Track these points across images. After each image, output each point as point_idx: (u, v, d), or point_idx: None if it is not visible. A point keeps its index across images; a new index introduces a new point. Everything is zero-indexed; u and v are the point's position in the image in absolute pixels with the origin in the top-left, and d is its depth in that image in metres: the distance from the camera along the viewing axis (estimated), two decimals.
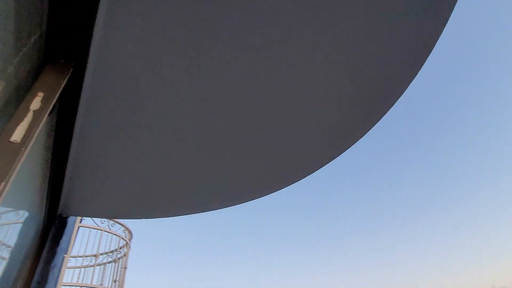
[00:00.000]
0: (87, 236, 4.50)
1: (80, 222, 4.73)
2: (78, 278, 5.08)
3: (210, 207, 1.60)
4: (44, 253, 1.36)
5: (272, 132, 1.26)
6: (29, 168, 0.96)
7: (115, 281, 4.27)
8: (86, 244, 4.58)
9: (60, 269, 2.54)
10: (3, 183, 0.50)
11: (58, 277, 2.38)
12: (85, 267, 5.05)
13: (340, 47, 0.97)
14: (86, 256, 5.13)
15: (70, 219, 1.93)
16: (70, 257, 4.77)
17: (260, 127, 1.24)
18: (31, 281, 1.24)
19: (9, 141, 0.56)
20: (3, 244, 1.13)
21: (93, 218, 4.63)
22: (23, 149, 0.57)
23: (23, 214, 1.27)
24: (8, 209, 1.13)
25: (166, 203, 1.59)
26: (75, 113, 0.98)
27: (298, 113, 1.20)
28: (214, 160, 1.37)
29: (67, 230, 1.61)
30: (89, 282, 4.10)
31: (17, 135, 0.57)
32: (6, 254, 1.15)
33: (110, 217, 1.60)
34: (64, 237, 1.58)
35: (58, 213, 1.52)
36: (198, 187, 1.49)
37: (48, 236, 1.42)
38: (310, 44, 0.95)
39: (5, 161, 0.53)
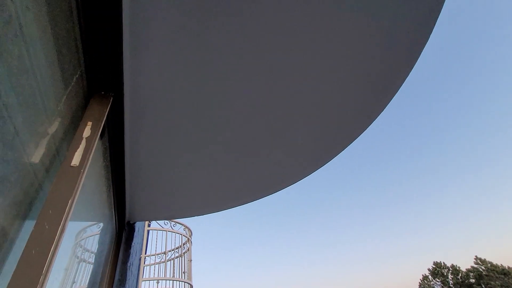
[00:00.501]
0: (155, 237, 5.06)
1: (149, 226, 5.30)
2: (154, 273, 5.80)
3: (252, 197, 1.67)
4: (120, 255, 1.59)
5: (296, 125, 1.26)
6: (95, 186, 1.13)
7: (184, 273, 4.74)
8: (156, 244, 5.17)
9: (138, 267, 2.91)
10: (70, 200, 0.61)
11: (137, 274, 2.73)
12: (158, 263, 5.69)
13: (343, 48, 0.94)
14: (157, 254, 5.77)
15: (137, 224, 2.20)
16: (146, 256, 5.37)
17: (281, 125, 1.25)
18: (114, 280, 1.46)
19: (71, 166, 0.67)
20: (89, 251, 1.35)
21: (158, 222, 5.15)
22: (82, 170, 0.68)
23: (100, 226, 1.50)
24: (88, 223, 1.34)
25: (212, 199, 1.70)
26: (122, 135, 1.11)
27: (317, 105, 1.17)
28: (250, 158, 1.42)
29: (136, 233, 1.84)
30: (163, 276, 4.62)
31: (75, 160, 0.69)
32: (91, 259, 1.38)
33: (168, 218, 1.78)
34: (135, 240, 1.81)
35: (126, 220, 1.74)
36: (237, 182, 1.56)
37: (121, 240, 1.65)
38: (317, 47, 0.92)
39: (70, 182, 0.64)
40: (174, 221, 5.02)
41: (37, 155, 0.66)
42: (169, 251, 5.29)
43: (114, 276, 1.47)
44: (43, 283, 0.52)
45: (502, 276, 29.84)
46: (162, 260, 5.04)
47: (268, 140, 1.32)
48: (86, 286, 1.32)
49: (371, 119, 1.30)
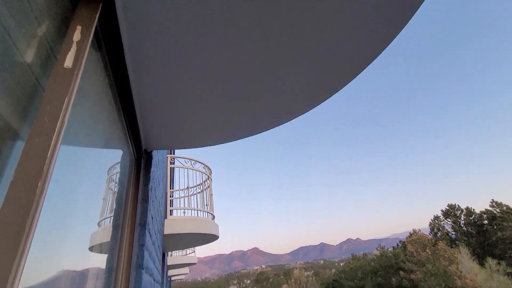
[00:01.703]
0: (178, 175, 5.48)
1: (171, 164, 5.67)
2: (180, 205, 6.59)
3: (264, 127, 1.65)
4: (141, 179, 1.72)
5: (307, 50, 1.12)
6: (105, 112, 1.14)
7: (206, 205, 5.24)
8: (179, 181, 5.64)
9: (165, 198, 3.21)
10: (66, 98, 0.60)
11: (164, 204, 3.03)
12: (183, 197, 6.29)
13: None
14: (181, 190, 6.35)
15: (157, 155, 2.33)
16: (172, 191, 5.87)
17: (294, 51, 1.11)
18: (137, 200, 1.61)
19: (63, 67, 0.65)
20: (110, 177, 1.47)
21: (180, 160, 5.47)
22: (76, 72, 0.65)
23: (118, 152, 1.58)
24: (104, 148, 1.42)
25: (224, 128, 1.71)
26: (121, 50, 1.06)
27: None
28: (258, 87, 1.34)
29: (154, 161, 1.96)
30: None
31: (68, 62, 0.66)
32: (115, 184, 1.50)
33: (183, 146, 1.85)
34: (154, 167, 1.94)
35: (143, 148, 1.83)
36: (251, 111, 1.52)
37: (141, 166, 1.76)
38: None
39: (63, 82, 0.62)
40: (194, 160, 5.33)
41: (29, 57, 0.63)
42: (192, 187, 5.77)
43: (137, 197, 1.62)
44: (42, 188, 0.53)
45: None
46: (186, 195, 5.54)
47: (285, 67, 1.21)
48: (114, 206, 1.48)
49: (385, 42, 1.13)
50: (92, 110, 0.98)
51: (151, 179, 1.81)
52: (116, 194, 1.52)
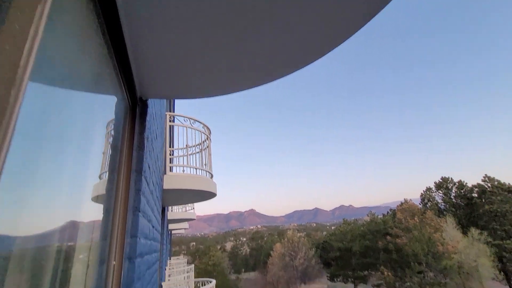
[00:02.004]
0: (177, 134, 5.48)
1: (171, 122, 5.62)
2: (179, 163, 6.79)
3: (267, 78, 1.57)
4: (136, 127, 1.69)
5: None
6: (92, 46, 1.05)
7: (205, 164, 5.34)
8: (178, 139, 5.66)
9: (163, 153, 3.21)
10: (39, 6, 0.53)
11: (157, 152, 3.04)
12: (181, 156, 6.38)
13: None
14: (180, 148, 6.41)
15: (154, 106, 2.27)
16: (171, 149, 5.90)
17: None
18: (133, 147, 1.60)
19: None
20: (103, 124, 1.42)
21: (179, 119, 5.41)
22: None
23: (114, 99, 1.52)
24: (105, 96, 1.35)
25: (223, 79, 1.62)
26: None
27: None
28: (255, 38, 1.22)
29: (150, 111, 1.91)
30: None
31: None
32: (107, 131, 1.47)
33: (180, 96, 1.78)
34: (149, 117, 1.89)
35: (139, 96, 1.77)
36: (250, 60, 1.42)
37: (136, 114, 1.72)
38: None
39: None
40: (193, 119, 5.29)
41: None
42: (191, 146, 5.82)
43: (133, 145, 1.60)
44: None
45: (506, 193, 31.39)
46: (186, 154, 5.60)
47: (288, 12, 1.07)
48: (109, 152, 1.46)
49: None
50: (74, 41, 0.89)
51: (146, 127, 1.78)
52: (112, 143, 1.50)
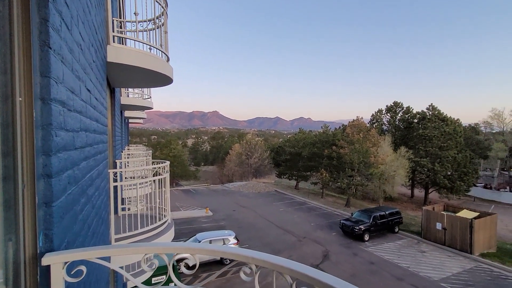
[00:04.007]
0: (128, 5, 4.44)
1: None
2: (130, 43, 5.83)
3: None
4: None
5: None
6: None
7: (161, 45, 4.71)
8: (130, 11, 4.67)
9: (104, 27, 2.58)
10: None
11: (103, 52, 2.45)
12: (131, 31, 5.47)
13: None
14: (128, 21, 5.42)
15: None
16: (114, 19, 4.97)
17: None
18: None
19: None
20: None
21: None
22: None
23: None
24: None
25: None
26: None
27: None
28: None
29: None
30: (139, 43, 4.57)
31: None
32: None
33: None
34: None
35: None
36: None
37: None
38: None
39: None
40: None
41: None
42: (144, 21, 4.91)
43: None
44: None
45: (440, 121, 36.26)
46: (136, 29, 4.76)
47: None
48: None
49: None
50: None
51: None
52: None
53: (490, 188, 41.87)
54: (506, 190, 40.17)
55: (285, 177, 44.34)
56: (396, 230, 22.89)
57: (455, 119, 38.25)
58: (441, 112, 37.62)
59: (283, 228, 23.22)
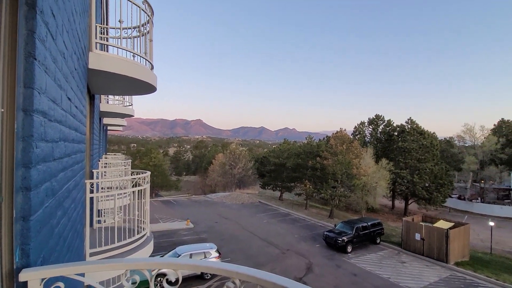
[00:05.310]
0: (113, 10, 4.43)
1: None
2: (113, 50, 5.77)
3: None
4: None
5: None
6: None
7: (145, 53, 4.70)
8: (115, 18, 4.66)
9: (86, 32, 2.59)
10: None
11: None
12: (114, 37, 5.44)
13: None
14: (112, 28, 5.39)
15: None
16: (99, 26, 4.93)
17: None
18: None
19: None
20: None
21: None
22: None
23: None
24: None
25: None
26: None
27: None
28: None
29: None
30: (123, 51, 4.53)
31: None
32: None
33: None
34: None
35: None
36: None
37: None
38: None
39: None
40: None
41: None
42: (128, 28, 4.90)
43: None
44: None
45: (418, 134, 38.17)
46: (120, 36, 4.74)
47: None
48: None
49: None
50: None
51: None
52: None
53: (464, 199, 44.22)
54: (477, 200, 42.58)
55: (269, 188, 44.36)
56: (378, 241, 23.40)
57: (432, 132, 40.45)
58: (419, 125, 39.66)
59: (267, 240, 23.03)
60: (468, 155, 45.21)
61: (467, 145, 48.97)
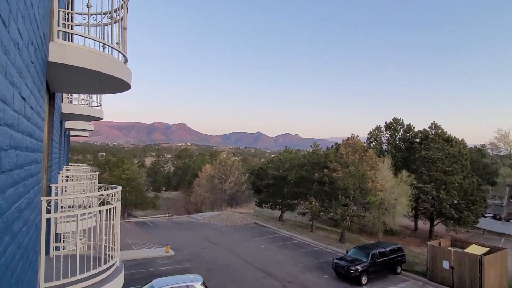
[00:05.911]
0: None
1: None
2: (80, 40, 5.71)
3: None
4: None
5: None
6: None
7: (118, 44, 4.72)
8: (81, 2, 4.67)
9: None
10: None
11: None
12: (82, 25, 5.46)
13: None
14: (78, 14, 5.42)
15: None
16: (63, 11, 4.96)
17: None
18: None
19: None
20: None
21: None
22: None
23: None
24: None
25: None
26: None
27: None
28: None
29: None
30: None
31: None
32: None
33: None
34: None
35: None
36: None
37: None
38: None
39: None
40: None
41: None
42: (95, 14, 4.93)
43: None
44: None
45: (444, 142, 38.61)
46: (86, 23, 4.77)
47: None
48: None
49: None
50: None
51: None
52: None
53: (500, 218, 44.46)
54: None
55: (267, 206, 44.15)
56: (399, 270, 23.32)
57: (460, 139, 41.00)
58: (445, 131, 40.20)
59: (264, 270, 22.78)
60: (503, 166, 45.82)
61: (501, 154, 49.71)
